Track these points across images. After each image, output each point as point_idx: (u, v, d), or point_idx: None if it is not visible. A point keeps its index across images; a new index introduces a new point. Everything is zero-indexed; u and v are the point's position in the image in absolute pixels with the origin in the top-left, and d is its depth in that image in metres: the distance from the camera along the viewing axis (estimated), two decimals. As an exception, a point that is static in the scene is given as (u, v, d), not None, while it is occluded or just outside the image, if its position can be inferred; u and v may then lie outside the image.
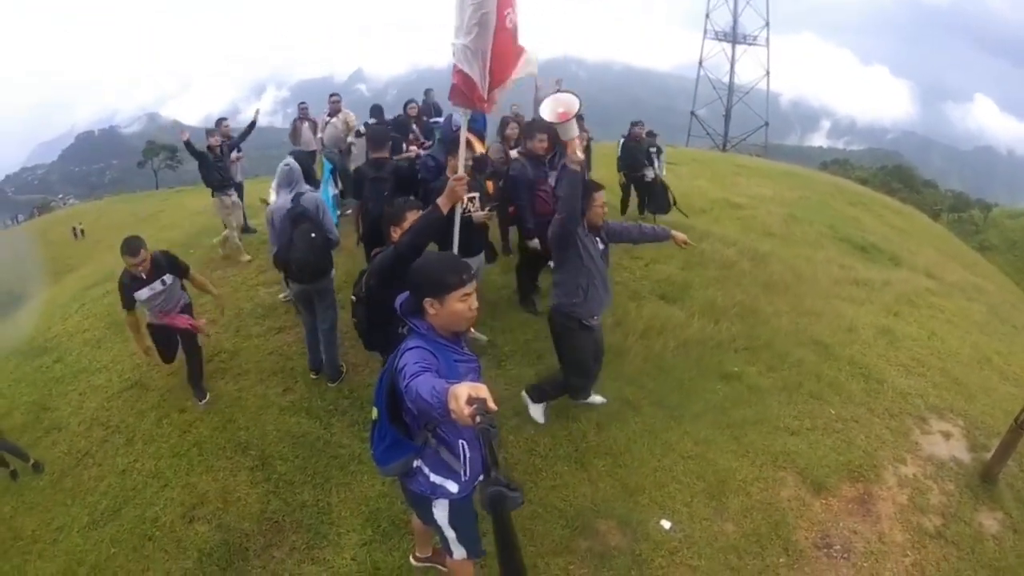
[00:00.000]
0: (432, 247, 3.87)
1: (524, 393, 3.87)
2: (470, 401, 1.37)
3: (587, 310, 3.41)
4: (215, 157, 6.48)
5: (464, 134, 3.13)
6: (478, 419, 1.33)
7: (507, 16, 2.77)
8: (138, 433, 4.02)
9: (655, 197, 7.61)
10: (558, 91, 3.47)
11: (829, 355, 4.72)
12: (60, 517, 3.52)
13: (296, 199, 3.96)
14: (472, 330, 3.82)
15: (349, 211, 7.42)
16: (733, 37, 47.79)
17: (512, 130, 5.78)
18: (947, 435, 3.93)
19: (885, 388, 4.33)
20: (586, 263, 3.31)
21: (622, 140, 7.89)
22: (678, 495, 3.37)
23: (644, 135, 7.84)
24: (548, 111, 3.06)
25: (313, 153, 7.62)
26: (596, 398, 3.99)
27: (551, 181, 5.04)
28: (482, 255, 4.47)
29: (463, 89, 2.87)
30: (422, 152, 6.33)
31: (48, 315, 6.41)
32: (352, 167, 7.96)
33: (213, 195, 6.63)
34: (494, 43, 2.77)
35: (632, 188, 7.95)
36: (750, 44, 47.93)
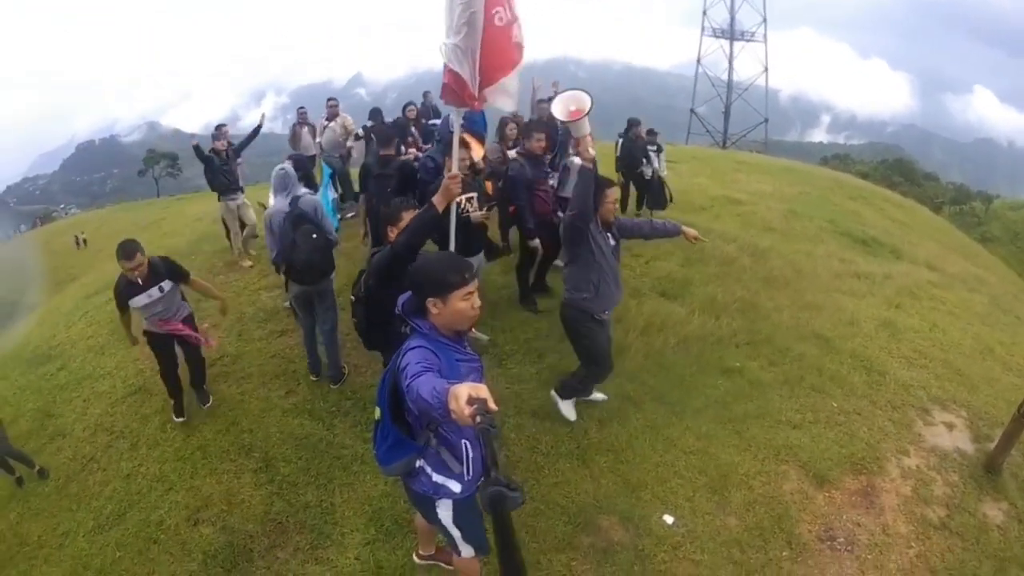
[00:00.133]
0: (432, 248, 3.91)
1: (553, 392, 3.89)
2: (470, 401, 1.37)
3: (598, 305, 3.43)
4: (221, 161, 6.46)
5: (458, 133, 3.14)
6: (478, 419, 1.33)
7: (496, 15, 2.79)
8: (142, 438, 4.04)
9: (653, 194, 7.64)
10: (556, 93, 3.49)
11: (831, 348, 4.71)
12: (66, 522, 3.54)
13: (294, 202, 3.99)
14: (473, 329, 3.84)
15: (350, 215, 7.47)
16: (731, 34, 47.79)
17: (511, 130, 5.80)
18: (950, 426, 3.92)
19: (887, 380, 4.32)
20: (598, 259, 3.33)
21: (620, 140, 7.91)
22: (680, 490, 3.37)
23: (643, 134, 7.86)
24: (560, 109, 3.08)
25: (313, 157, 7.65)
26: (597, 395, 4.00)
27: (552, 182, 5.06)
28: (481, 255, 4.48)
29: (454, 88, 2.90)
30: (420, 155, 6.36)
31: (52, 323, 6.45)
32: (352, 170, 8.02)
33: (219, 199, 6.61)
34: (483, 42, 2.80)
35: (631, 186, 7.97)
36: (748, 40, 47.92)
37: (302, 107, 8.30)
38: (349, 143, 7.49)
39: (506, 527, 1.19)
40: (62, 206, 76.05)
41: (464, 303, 1.88)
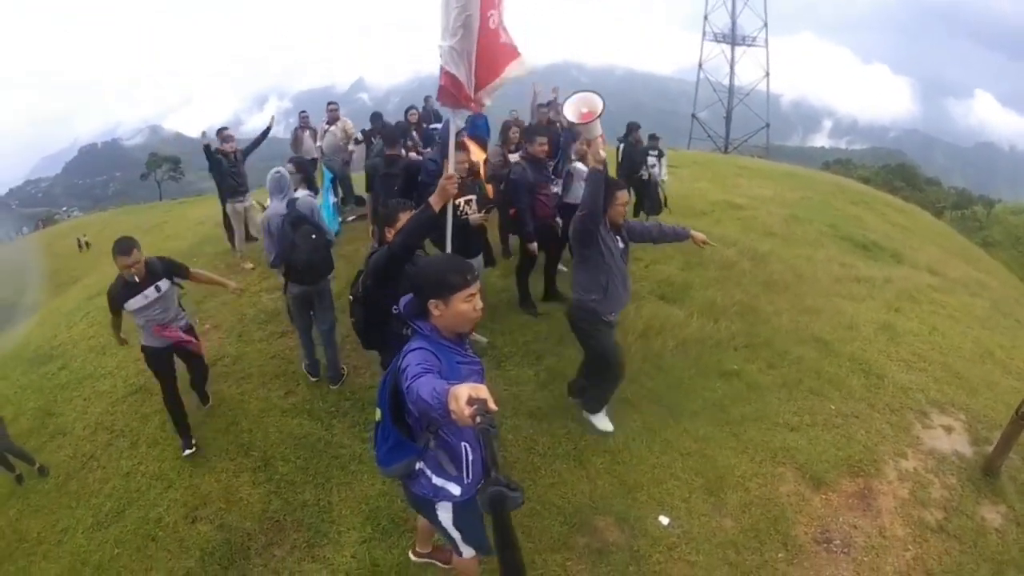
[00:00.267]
0: (432, 250, 3.93)
1: (584, 412, 3.87)
2: (470, 402, 1.37)
3: (606, 307, 3.43)
4: (230, 163, 6.42)
5: (453, 134, 3.17)
6: (478, 419, 1.34)
7: (490, 17, 2.83)
8: (142, 437, 4.06)
9: (648, 197, 7.65)
10: (556, 98, 3.52)
11: (829, 352, 4.71)
12: (65, 519, 3.55)
13: (291, 204, 4.04)
14: (472, 332, 3.85)
15: (351, 218, 7.51)
16: (732, 39, 47.91)
17: (513, 134, 5.84)
18: (949, 429, 3.91)
19: (886, 383, 4.33)
20: (607, 260, 3.34)
21: (620, 145, 7.92)
22: (676, 491, 3.37)
23: (644, 139, 7.88)
24: (572, 112, 3.09)
25: (314, 161, 7.68)
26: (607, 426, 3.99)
27: (556, 189, 5.08)
28: (480, 257, 4.50)
29: (451, 90, 2.93)
30: (420, 158, 6.39)
31: (53, 324, 6.49)
32: (353, 174, 8.07)
33: (226, 201, 6.56)
34: (478, 44, 2.83)
35: (630, 190, 7.98)
36: (749, 45, 48.02)
37: (304, 111, 8.34)
38: (350, 147, 7.54)
39: (506, 527, 1.20)
40: (64, 209, 76.42)
41: (466, 305, 1.88)
